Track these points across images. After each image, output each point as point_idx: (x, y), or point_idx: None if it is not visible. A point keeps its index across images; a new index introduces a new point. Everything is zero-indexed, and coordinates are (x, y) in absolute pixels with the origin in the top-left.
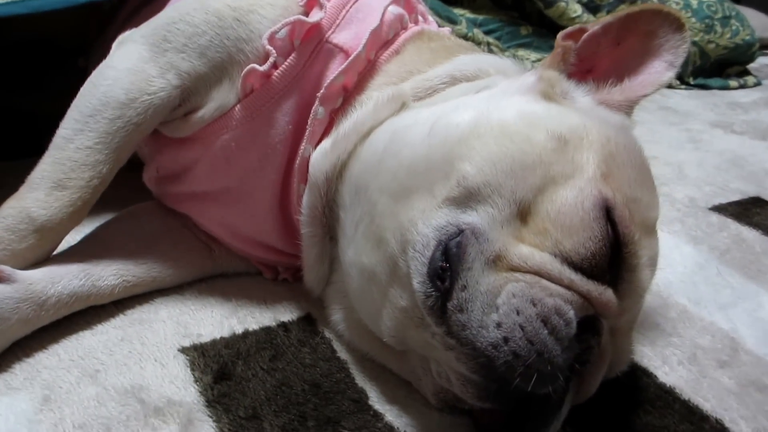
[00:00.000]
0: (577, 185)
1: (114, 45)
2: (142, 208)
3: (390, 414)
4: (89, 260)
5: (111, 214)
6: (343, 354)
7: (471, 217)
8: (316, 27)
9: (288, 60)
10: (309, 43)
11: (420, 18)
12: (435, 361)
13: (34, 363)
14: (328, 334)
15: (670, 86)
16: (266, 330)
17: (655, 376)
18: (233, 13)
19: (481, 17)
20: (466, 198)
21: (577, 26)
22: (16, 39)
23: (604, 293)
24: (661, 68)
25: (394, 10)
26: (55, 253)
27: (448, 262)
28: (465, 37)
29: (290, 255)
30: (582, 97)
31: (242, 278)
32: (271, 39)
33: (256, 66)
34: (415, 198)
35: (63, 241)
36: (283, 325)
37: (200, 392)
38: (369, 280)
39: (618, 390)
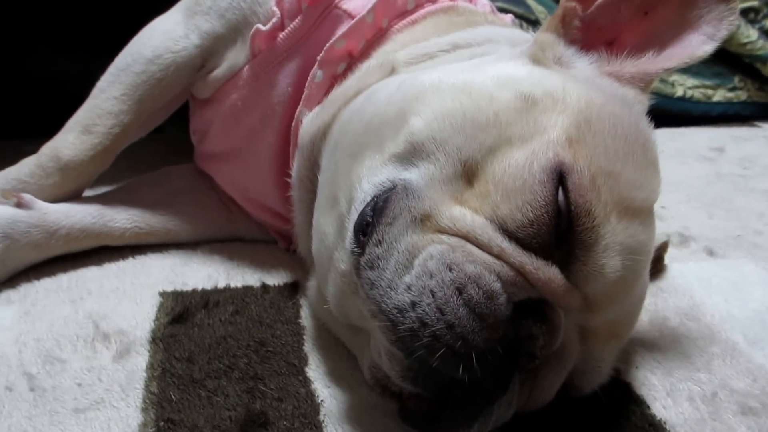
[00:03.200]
0: (532, 147)
1: None
2: (177, 167)
3: (319, 383)
4: (107, 203)
5: None
6: (305, 321)
7: (409, 174)
8: None
9: (294, 22)
10: (317, 7)
11: None
12: (372, 334)
13: (38, 285)
14: (303, 301)
15: None
16: (246, 288)
17: (647, 406)
18: None
19: None
20: (411, 154)
21: None
22: None
23: (543, 269)
24: (697, 41)
25: None
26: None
27: (374, 218)
28: None
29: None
30: (584, 65)
31: (257, 245)
32: (279, 1)
33: (260, 26)
34: (366, 155)
35: None
36: (264, 287)
37: (151, 330)
38: (321, 242)
39: (588, 408)
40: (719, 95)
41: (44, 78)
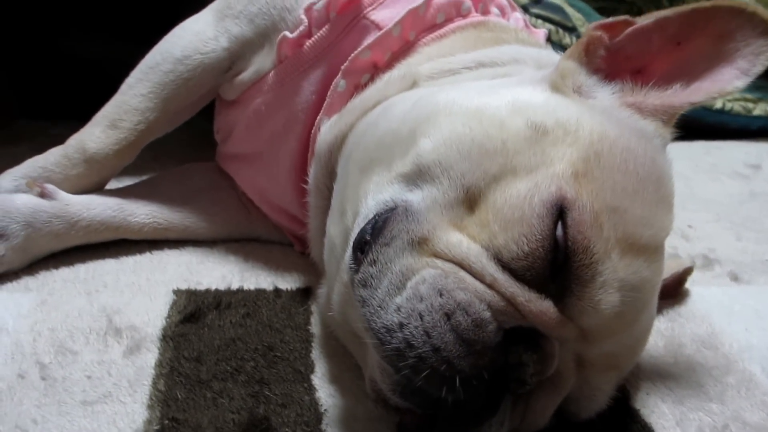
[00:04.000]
0: (536, 179)
1: None
2: (199, 165)
3: (323, 392)
4: (128, 197)
5: None
6: (314, 328)
7: (412, 195)
8: (355, 1)
9: (321, 31)
10: (345, 17)
11: (495, 9)
12: (368, 347)
13: (56, 274)
14: (315, 308)
15: None
16: (259, 291)
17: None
18: None
19: None
20: (416, 176)
21: (620, 18)
22: None
23: (535, 302)
24: (729, 76)
25: None
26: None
27: (372, 237)
28: None
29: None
30: (605, 95)
31: (273, 246)
32: (308, 10)
33: (287, 33)
34: (375, 171)
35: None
36: (277, 291)
37: (163, 327)
38: (330, 251)
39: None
40: (760, 109)
41: (74, 60)
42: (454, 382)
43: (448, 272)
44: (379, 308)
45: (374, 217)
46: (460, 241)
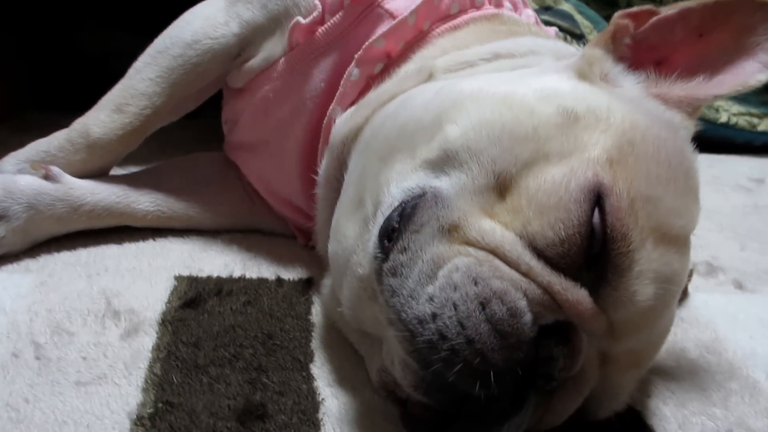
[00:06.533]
0: (571, 164)
1: None
2: (206, 154)
3: (322, 381)
4: (133, 184)
5: None
6: (315, 318)
7: (440, 182)
8: None
9: (334, 18)
10: (359, 5)
11: (508, 4)
12: (386, 341)
13: (57, 257)
14: (316, 298)
15: None
16: (261, 280)
17: None
18: None
19: None
20: (443, 162)
21: (645, 7)
22: None
23: (572, 290)
24: (752, 69)
25: None
26: None
27: (401, 224)
28: None
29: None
30: (631, 84)
31: (276, 238)
32: None
33: (300, 18)
34: (398, 159)
35: None
36: (279, 280)
37: (162, 312)
38: (339, 243)
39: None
40: (765, 125)
41: (88, 53)
42: (488, 377)
43: (482, 260)
44: (410, 298)
45: (400, 204)
46: (493, 228)
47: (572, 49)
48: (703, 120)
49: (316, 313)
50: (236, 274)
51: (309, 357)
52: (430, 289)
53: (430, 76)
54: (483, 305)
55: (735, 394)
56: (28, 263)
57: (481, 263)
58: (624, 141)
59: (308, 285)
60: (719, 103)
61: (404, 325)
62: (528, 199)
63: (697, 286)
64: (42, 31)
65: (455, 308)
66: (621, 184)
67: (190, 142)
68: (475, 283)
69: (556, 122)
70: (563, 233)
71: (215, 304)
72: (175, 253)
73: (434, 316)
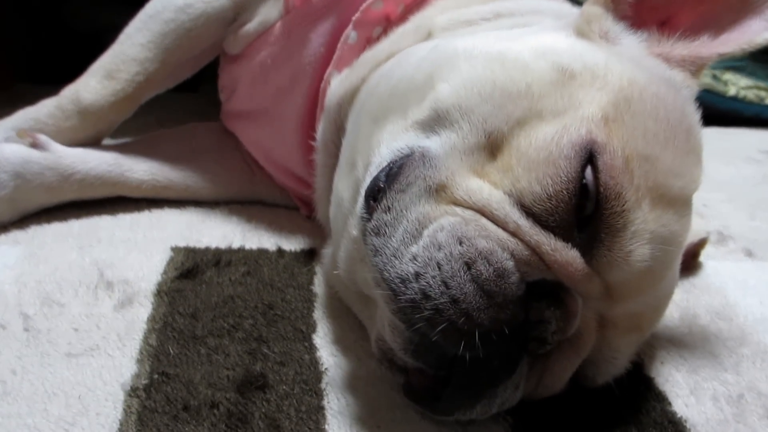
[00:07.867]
0: (564, 122)
1: None
2: (203, 124)
3: (325, 351)
4: (127, 153)
5: None
6: (318, 288)
7: (429, 142)
8: None
9: None
10: None
11: None
12: (379, 305)
13: (48, 228)
14: (318, 269)
15: None
16: (261, 251)
17: (668, 402)
18: None
19: None
20: (434, 121)
21: None
22: None
23: (562, 250)
24: (759, 27)
25: None
26: None
27: (386, 184)
28: None
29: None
30: (632, 43)
31: (277, 209)
32: None
33: None
34: (390, 120)
35: None
36: (280, 251)
37: (158, 282)
38: (338, 206)
39: (606, 401)
40: None
41: (80, 27)
42: (473, 337)
43: (469, 219)
44: (393, 257)
45: (388, 164)
46: (480, 187)
47: (575, 10)
48: (712, 93)
49: (319, 284)
50: (235, 245)
51: (311, 327)
52: (413, 248)
53: (428, 35)
54: (468, 265)
55: (746, 359)
56: (16, 235)
57: (467, 222)
58: (620, 98)
59: (311, 256)
60: (727, 76)
61: (387, 284)
62: (518, 157)
63: (708, 254)
64: (34, 4)
65: (439, 268)
66: (615, 142)
67: (189, 115)
68: (460, 243)
69: (550, 79)
70: (551, 189)
71: (213, 274)
72: (172, 225)
73: (417, 275)
